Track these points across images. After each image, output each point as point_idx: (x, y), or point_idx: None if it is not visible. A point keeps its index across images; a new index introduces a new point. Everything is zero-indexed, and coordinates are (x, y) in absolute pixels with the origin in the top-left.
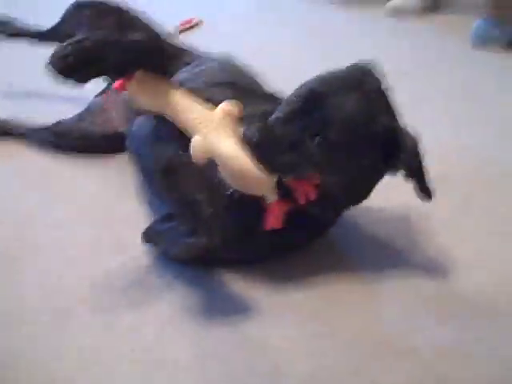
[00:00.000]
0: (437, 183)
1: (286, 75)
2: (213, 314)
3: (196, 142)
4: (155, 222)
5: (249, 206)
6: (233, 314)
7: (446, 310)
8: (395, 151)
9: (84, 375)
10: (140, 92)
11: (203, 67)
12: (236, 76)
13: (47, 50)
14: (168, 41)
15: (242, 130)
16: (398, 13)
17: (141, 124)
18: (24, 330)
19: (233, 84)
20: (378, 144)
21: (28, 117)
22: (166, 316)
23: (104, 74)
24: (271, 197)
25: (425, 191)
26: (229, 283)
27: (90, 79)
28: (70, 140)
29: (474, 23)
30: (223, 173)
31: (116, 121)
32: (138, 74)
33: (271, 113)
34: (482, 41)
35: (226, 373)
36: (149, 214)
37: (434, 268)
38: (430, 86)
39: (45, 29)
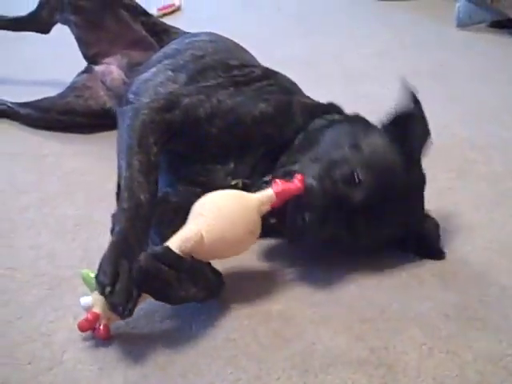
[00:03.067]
0: None
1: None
2: None
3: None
4: None
5: None
6: None
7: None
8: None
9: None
10: None
11: (193, 38)
12: (228, 50)
13: None
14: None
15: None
16: None
17: None
18: (14, 304)
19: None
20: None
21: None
22: None
23: None
24: None
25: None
26: None
27: None
28: (55, 115)
29: (457, 4)
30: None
31: (103, 97)
32: None
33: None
34: (466, 21)
35: None
36: None
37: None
38: (411, 65)
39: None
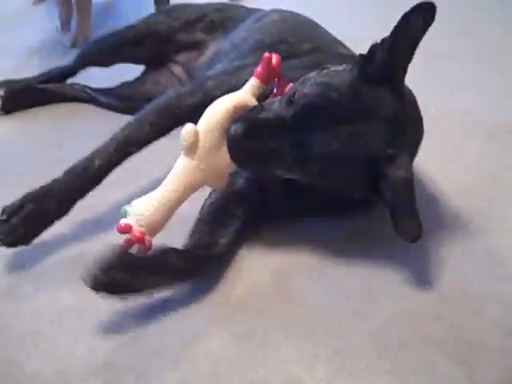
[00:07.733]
0: None
1: None
2: None
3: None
4: None
5: None
6: None
7: None
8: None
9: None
10: None
11: (264, 20)
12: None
13: None
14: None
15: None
16: None
17: None
18: None
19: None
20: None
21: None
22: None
23: None
24: None
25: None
26: None
27: None
28: (136, 103)
29: None
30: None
31: (183, 80)
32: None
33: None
34: None
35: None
36: None
37: None
38: None
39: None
